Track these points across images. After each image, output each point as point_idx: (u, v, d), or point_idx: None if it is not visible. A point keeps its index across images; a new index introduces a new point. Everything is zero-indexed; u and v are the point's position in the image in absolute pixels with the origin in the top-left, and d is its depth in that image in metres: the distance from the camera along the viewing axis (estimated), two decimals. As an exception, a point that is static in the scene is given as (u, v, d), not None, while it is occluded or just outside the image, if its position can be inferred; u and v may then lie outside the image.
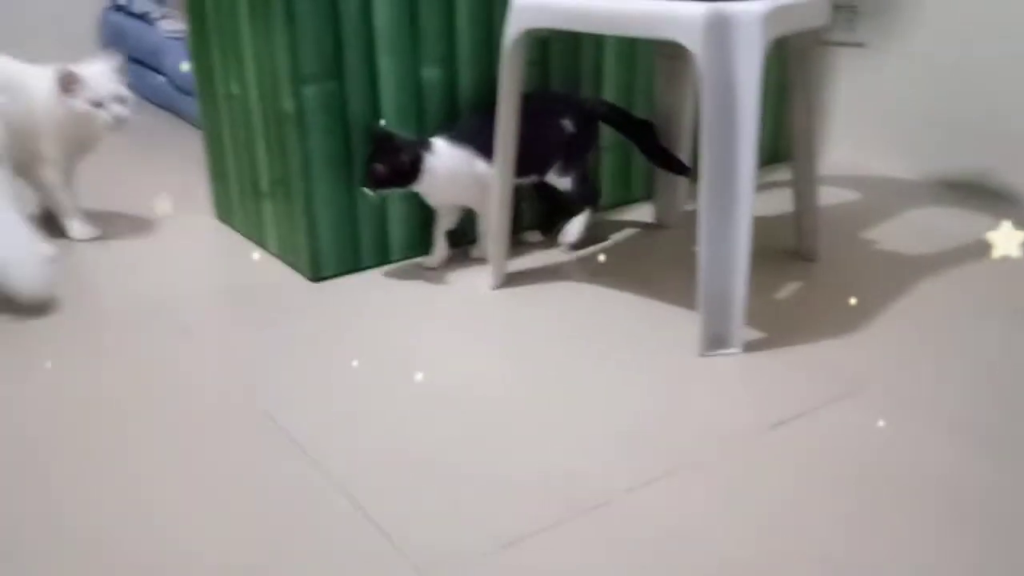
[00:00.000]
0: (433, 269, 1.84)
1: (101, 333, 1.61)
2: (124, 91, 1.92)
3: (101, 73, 1.90)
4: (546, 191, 1.91)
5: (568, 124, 1.83)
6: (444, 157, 1.72)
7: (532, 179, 1.85)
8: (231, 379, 1.44)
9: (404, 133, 1.75)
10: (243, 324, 1.65)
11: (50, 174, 1.99)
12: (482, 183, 1.75)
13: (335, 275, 1.81)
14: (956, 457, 1.21)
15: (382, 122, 1.76)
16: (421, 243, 1.89)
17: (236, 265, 1.90)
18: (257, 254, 1.94)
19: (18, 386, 1.44)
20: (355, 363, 1.49)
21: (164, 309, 1.69)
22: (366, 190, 1.69)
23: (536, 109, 1.78)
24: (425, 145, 1.71)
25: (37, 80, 1.91)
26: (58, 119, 1.90)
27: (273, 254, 1.92)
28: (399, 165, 1.66)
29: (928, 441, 1.24)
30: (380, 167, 1.66)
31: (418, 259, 1.87)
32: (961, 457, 1.21)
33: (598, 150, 2.08)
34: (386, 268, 1.85)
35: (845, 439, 1.26)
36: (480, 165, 1.74)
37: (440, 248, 1.84)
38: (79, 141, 1.97)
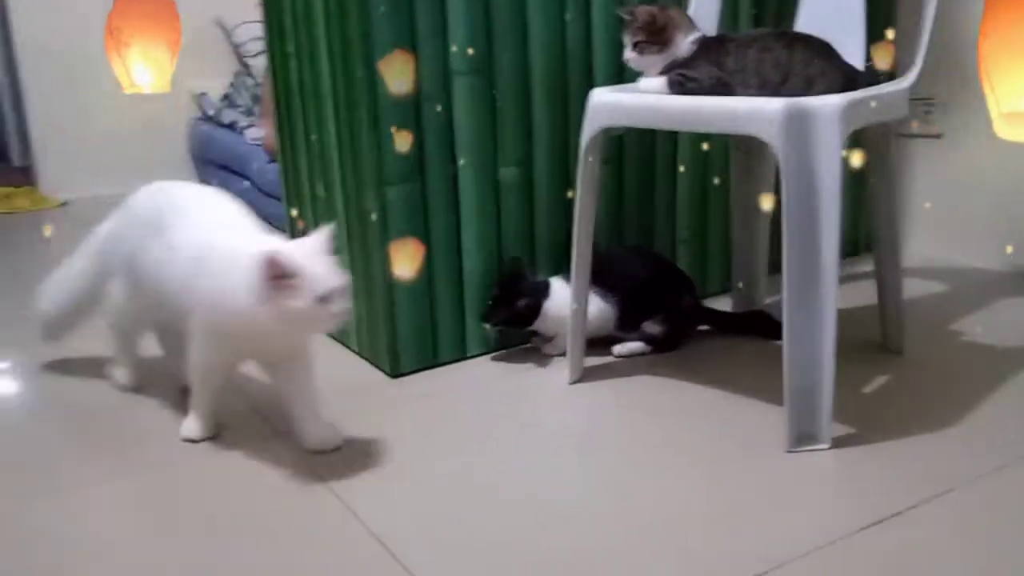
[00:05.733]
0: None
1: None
2: (343, 274, 1.35)
3: (319, 256, 1.33)
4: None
5: (689, 300, 1.90)
6: (558, 299, 1.80)
7: (630, 333, 1.86)
8: (313, 476, 1.45)
9: (528, 275, 1.84)
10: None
11: (204, 374, 1.51)
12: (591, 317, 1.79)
13: (414, 371, 1.83)
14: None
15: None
16: (497, 338, 1.90)
17: (319, 363, 1.92)
18: (340, 351, 1.98)
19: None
20: (432, 460, 1.48)
21: (249, 408, 1.72)
22: (485, 325, 1.82)
23: (667, 279, 1.89)
24: (545, 290, 1.81)
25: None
26: (258, 321, 1.31)
27: (354, 351, 1.95)
28: (519, 312, 1.79)
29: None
30: (503, 311, 1.80)
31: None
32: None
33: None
34: (463, 363, 1.87)
35: (940, 541, 1.20)
36: (595, 302, 1.80)
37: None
38: (278, 350, 1.45)
